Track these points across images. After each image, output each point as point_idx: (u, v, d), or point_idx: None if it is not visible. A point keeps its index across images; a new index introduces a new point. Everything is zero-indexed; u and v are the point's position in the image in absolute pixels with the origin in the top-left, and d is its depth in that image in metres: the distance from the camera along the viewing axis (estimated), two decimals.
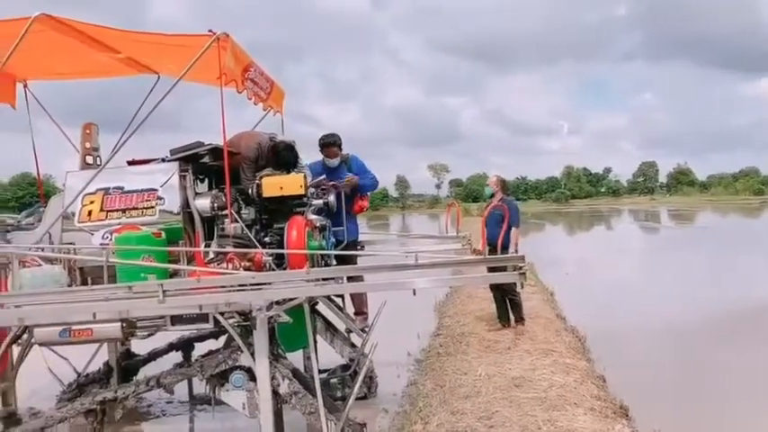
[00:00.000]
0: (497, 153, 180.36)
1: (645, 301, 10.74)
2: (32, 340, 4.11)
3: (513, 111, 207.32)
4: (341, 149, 5.76)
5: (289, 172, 4.95)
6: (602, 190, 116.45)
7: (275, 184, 4.69)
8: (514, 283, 6.77)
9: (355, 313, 5.76)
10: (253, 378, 3.87)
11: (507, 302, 7.28)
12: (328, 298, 5.52)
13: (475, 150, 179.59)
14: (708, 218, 43.11)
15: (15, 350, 4.37)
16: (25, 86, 5.77)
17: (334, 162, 5.71)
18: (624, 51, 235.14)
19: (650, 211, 60.66)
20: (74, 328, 3.95)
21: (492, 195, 7.24)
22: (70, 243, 4.46)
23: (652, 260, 18.92)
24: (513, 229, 6.76)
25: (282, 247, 4.34)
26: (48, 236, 4.52)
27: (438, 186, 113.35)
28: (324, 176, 5.48)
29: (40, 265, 4.32)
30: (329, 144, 5.70)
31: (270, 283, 3.85)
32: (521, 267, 3.63)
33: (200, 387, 5.44)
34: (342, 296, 5.72)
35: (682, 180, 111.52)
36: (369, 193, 5.97)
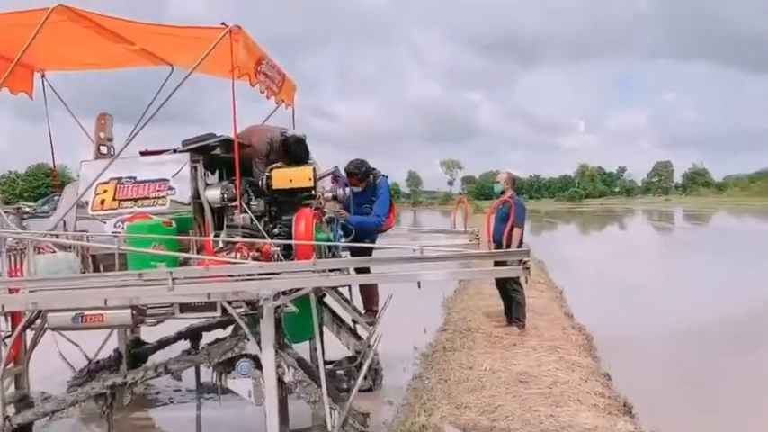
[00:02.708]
0: (513, 150, 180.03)
1: (654, 302, 10.69)
2: (46, 325, 4.20)
3: (531, 107, 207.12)
4: (363, 181, 5.67)
5: (300, 165, 5.00)
6: (616, 189, 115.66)
7: (285, 177, 4.75)
8: (516, 281, 6.93)
9: (365, 310, 5.80)
10: (259, 366, 3.93)
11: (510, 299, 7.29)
12: (335, 290, 5.58)
13: (491, 147, 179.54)
14: (723, 219, 42.66)
15: (29, 335, 4.46)
16: (43, 77, 5.86)
17: (358, 189, 5.70)
18: (646, 50, 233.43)
19: (664, 211, 60.14)
20: (86, 313, 4.04)
21: (502, 192, 7.21)
22: (83, 231, 4.56)
23: (664, 261, 18.80)
24: (516, 228, 6.74)
25: (291, 239, 4.40)
26: (62, 223, 4.63)
27: (450, 183, 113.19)
28: (336, 168, 5.51)
29: (54, 251, 4.42)
30: (350, 174, 5.63)
31: (277, 273, 3.91)
32: (525, 262, 3.65)
33: (208, 375, 5.55)
34: (349, 288, 5.78)
35: (697, 181, 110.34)
36: (390, 214, 5.81)
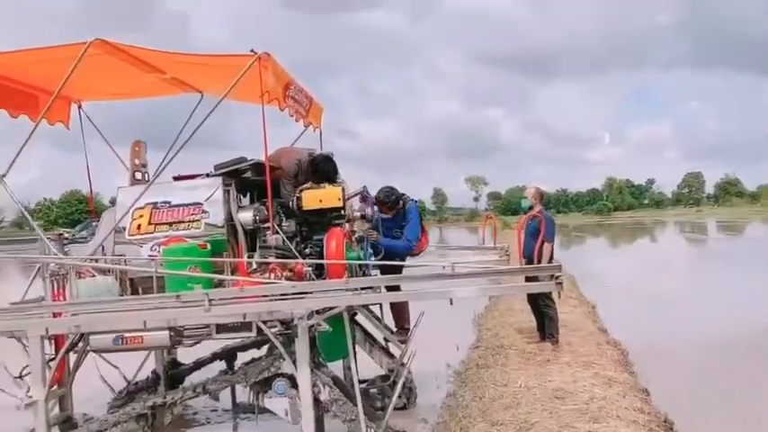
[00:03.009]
0: (537, 165, 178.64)
1: (691, 316, 10.45)
2: (88, 347, 4.32)
3: (553, 121, 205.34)
4: (392, 209, 5.74)
5: (329, 182, 5.08)
6: (646, 202, 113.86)
7: (314, 197, 4.84)
8: (548, 297, 6.86)
9: (397, 328, 5.81)
10: (295, 385, 3.98)
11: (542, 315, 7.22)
12: (367, 309, 5.61)
13: (514, 162, 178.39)
14: (758, 229, 41.56)
15: (71, 358, 4.58)
16: (79, 107, 6.08)
17: (387, 215, 5.78)
18: (668, 59, 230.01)
19: (696, 222, 58.87)
20: (126, 335, 4.15)
21: (530, 208, 7.19)
22: (121, 255, 4.68)
23: (698, 273, 18.39)
24: (546, 243, 6.71)
25: (322, 259, 4.45)
26: (101, 248, 4.77)
27: (476, 199, 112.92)
28: (364, 187, 5.58)
29: (93, 275, 4.55)
30: (380, 202, 5.71)
31: (310, 293, 3.97)
32: (557, 276, 3.64)
33: (244, 396, 5.60)
34: (380, 307, 5.80)
35: (730, 191, 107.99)
36: (421, 238, 5.88)
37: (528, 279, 4.84)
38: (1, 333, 4.38)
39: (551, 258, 6.73)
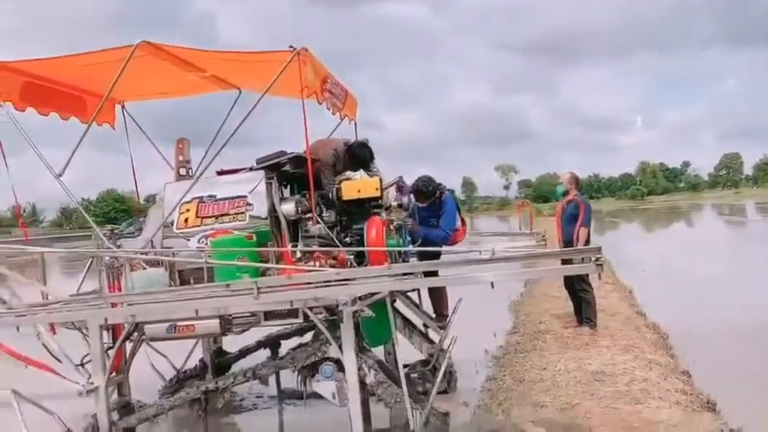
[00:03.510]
0: (568, 151, 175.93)
1: (731, 299, 10.25)
2: (143, 336, 4.53)
3: (583, 106, 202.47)
4: (430, 198, 5.79)
5: (365, 167, 5.20)
6: (681, 185, 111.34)
7: (353, 188, 4.96)
8: (585, 281, 6.86)
9: (436, 314, 5.91)
10: (341, 369, 4.11)
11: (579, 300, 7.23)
12: (406, 296, 5.73)
13: (544, 149, 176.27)
14: None
15: (128, 346, 4.81)
16: (123, 108, 6.31)
17: (424, 205, 5.85)
18: (701, 38, 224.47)
19: (735, 204, 57.32)
20: (178, 324, 4.34)
21: (565, 193, 7.19)
22: (170, 248, 4.88)
23: (738, 255, 17.97)
24: (583, 228, 6.73)
25: (362, 247, 4.58)
26: (150, 242, 4.98)
27: (506, 188, 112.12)
28: (400, 177, 5.69)
29: (144, 268, 4.77)
30: (418, 192, 5.79)
31: (354, 279, 4.10)
32: (597, 258, 3.69)
33: (289, 382, 5.79)
34: (419, 294, 5.92)
35: None
36: (459, 229, 5.95)
37: (564, 264, 4.87)
38: (63, 323, 4.63)
39: (587, 243, 6.74)
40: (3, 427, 5.25)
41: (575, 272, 4.95)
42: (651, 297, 9.70)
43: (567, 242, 6.77)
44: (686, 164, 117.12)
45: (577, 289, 7.13)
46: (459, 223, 5.92)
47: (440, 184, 5.88)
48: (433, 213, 5.83)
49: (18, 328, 4.64)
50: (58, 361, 4.56)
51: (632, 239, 28.37)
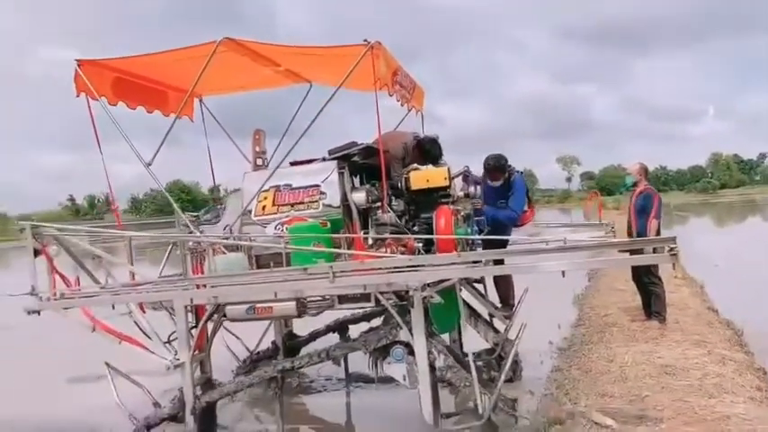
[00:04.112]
0: (634, 142, 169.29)
1: None
2: (223, 317, 4.82)
3: (650, 95, 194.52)
4: (502, 173, 5.86)
5: (434, 163, 5.31)
6: (757, 178, 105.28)
7: (422, 178, 5.08)
8: (655, 274, 6.72)
9: (502, 304, 5.97)
10: (411, 352, 4.25)
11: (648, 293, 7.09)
12: (472, 285, 5.81)
13: (608, 141, 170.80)
14: None
15: (209, 326, 5.12)
16: (201, 101, 6.64)
17: (497, 183, 5.93)
18: None
19: None
20: (257, 306, 4.59)
21: (633, 184, 7.06)
22: (248, 234, 5.16)
23: None
24: (654, 221, 6.60)
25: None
26: (228, 228, 5.26)
27: (568, 180, 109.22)
28: (467, 167, 5.78)
29: (224, 252, 5.06)
30: (494, 169, 5.86)
31: (424, 266, 4.23)
32: (671, 249, 3.66)
33: (357, 366, 6.00)
34: (484, 284, 5.98)
35: None
36: (527, 210, 5.99)
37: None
38: (152, 303, 4.98)
39: (658, 234, 6.60)
40: (97, 397, 5.73)
41: (648, 262, 4.88)
42: (724, 293, 9.34)
43: (639, 235, 6.66)
44: (763, 155, 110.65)
45: (646, 282, 6.99)
46: (526, 206, 5.94)
47: (510, 165, 5.91)
48: (502, 194, 5.87)
49: (113, 306, 5.03)
50: (148, 338, 4.93)
51: (703, 234, 27.15)
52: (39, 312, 5.02)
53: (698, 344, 6.07)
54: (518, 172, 5.97)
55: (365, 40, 4.58)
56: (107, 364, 5.20)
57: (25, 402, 6.37)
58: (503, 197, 5.84)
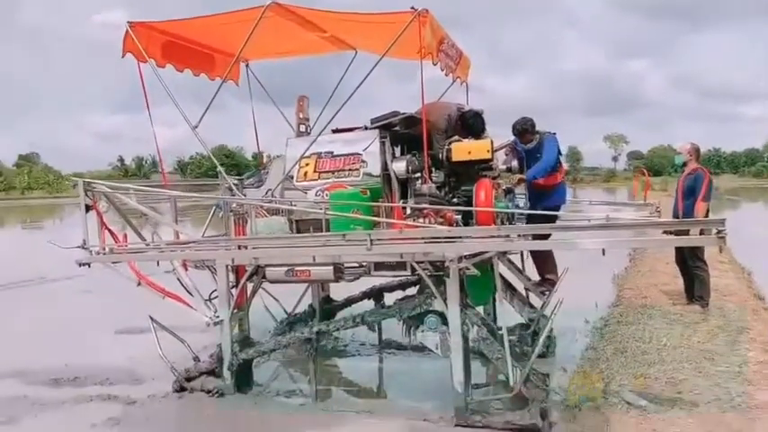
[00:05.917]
0: (686, 122, 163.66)
1: None
2: (263, 278, 4.94)
3: (705, 73, 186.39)
4: (531, 134, 5.84)
5: (477, 137, 5.25)
6: None
7: (464, 149, 5.03)
8: (701, 258, 6.53)
9: (541, 278, 5.93)
10: (445, 322, 4.29)
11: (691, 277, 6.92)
12: (509, 260, 5.78)
13: (659, 119, 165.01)
14: None
15: (248, 287, 5.27)
16: (247, 66, 6.69)
17: (529, 146, 5.87)
18: None
19: None
20: (296, 269, 4.70)
21: (683, 164, 6.85)
22: (289, 199, 5.24)
23: None
24: (702, 203, 6.40)
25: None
26: (269, 192, 5.35)
27: (615, 159, 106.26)
28: (514, 140, 5.70)
29: (265, 216, 5.16)
30: (523, 132, 5.84)
31: (461, 238, 4.22)
32: (719, 231, 3.55)
33: (389, 333, 6.09)
34: (522, 259, 5.94)
35: None
36: (558, 167, 5.95)
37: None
38: (195, 261, 5.15)
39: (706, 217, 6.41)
40: (141, 348, 6.00)
41: (695, 244, 4.74)
42: None
43: (685, 216, 6.47)
44: None
45: (691, 265, 6.82)
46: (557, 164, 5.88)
47: (541, 131, 5.87)
48: (533, 158, 5.81)
49: (158, 263, 5.21)
50: (190, 295, 5.11)
51: (755, 220, 26.16)
52: (89, 265, 5.25)
53: (740, 331, 5.92)
54: (551, 133, 5.88)
55: (412, 8, 4.51)
56: (151, 317, 5.42)
57: (72, 352, 6.71)
58: (534, 159, 5.77)
